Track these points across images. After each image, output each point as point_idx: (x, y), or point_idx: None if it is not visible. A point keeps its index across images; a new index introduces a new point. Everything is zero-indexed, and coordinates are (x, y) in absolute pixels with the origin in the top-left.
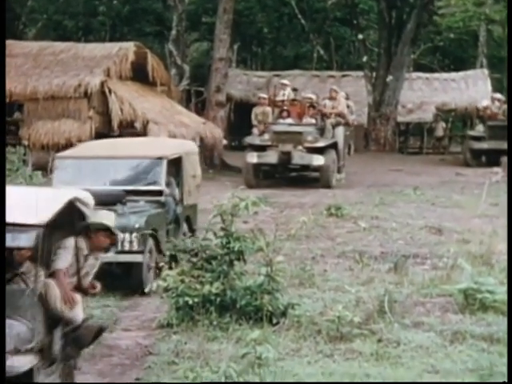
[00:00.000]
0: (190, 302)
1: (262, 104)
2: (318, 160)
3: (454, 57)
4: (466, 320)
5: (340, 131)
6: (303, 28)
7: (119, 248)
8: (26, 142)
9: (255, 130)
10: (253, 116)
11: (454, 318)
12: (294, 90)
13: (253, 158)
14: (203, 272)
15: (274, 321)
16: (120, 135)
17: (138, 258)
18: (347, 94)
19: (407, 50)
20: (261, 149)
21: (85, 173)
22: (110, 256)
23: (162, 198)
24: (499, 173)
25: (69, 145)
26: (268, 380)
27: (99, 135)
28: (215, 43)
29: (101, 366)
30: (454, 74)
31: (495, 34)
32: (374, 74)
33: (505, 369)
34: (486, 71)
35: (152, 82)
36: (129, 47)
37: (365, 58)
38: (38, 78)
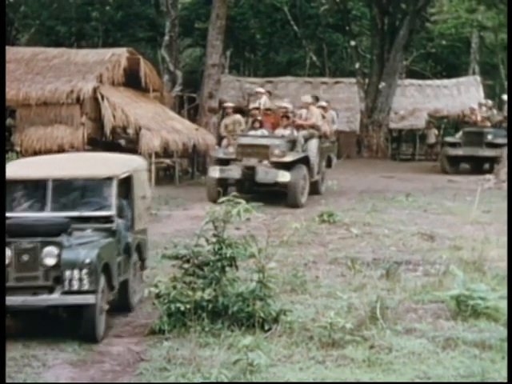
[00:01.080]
0: (182, 308)
1: (228, 113)
2: (284, 176)
3: (446, 63)
4: (458, 326)
5: (313, 144)
6: (296, 34)
7: (66, 288)
8: (18, 148)
9: (224, 142)
10: (222, 127)
11: (446, 324)
12: (268, 93)
13: (215, 172)
14: (195, 278)
15: (266, 327)
16: (113, 141)
17: (89, 299)
18: (328, 102)
19: (400, 56)
20: (225, 162)
21: (19, 197)
22: (56, 298)
23: (113, 225)
24: (491, 180)
25: (61, 151)
26: None
27: (92, 141)
28: (208, 49)
29: (92, 372)
30: (446, 81)
31: (487, 40)
32: (367, 81)
33: (497, 375)
34: (478, 78)
35: (145, 88)
36: (121, 53)
37: (357, 65)
38: (30, 83)
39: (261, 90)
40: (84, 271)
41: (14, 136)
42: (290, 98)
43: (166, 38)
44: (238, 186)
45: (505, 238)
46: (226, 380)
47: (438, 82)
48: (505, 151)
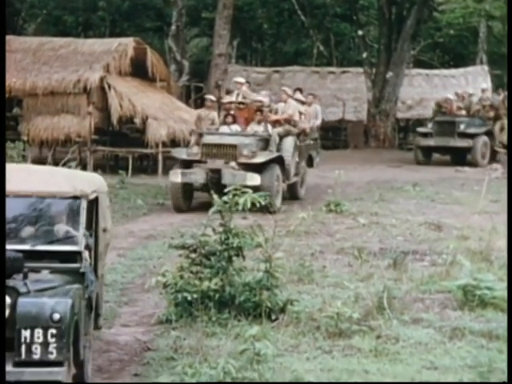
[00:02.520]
0: (189, 298)
1: (209, 107)
2: (254, 179)
3: (454, 53)
4: (464, 316)
5: (289, 142)
6: (303, 24)
7: (23, 356)
8: (25, 138)
9: (192, 139)
10: (196, 120)
11: (453, 314)
12: (247, 82)
13: (176, 176)
14: (202, 268)
15: (273, 317)
16: (119, 131)
17: (58, 374)
18: (314, 95)
19: (407, 46)
20: (189, 164)
21: None
22: (8, 371)
23: (82, 266)
24: (499, 169)
25: (68, 140)
26: (267, 376)
27: (98, 131)
28: (215, 39)
29: (100, 361)
30: (453, 71)
31: (495, 30)
32: (374, 71)
33: (504, 365)
34: (485, 68)
35: (151, 78)
36: (128, 43)
37: (365, 54)
38: (37, 73)
39: (240, 79)
40: (51, 332)
41: (21, 125)
42: (269, 91)
43: (173, 27)
44: (206, 190)
45: None
46: (232, 370)
47: (445, 71)
48: (479, 141)
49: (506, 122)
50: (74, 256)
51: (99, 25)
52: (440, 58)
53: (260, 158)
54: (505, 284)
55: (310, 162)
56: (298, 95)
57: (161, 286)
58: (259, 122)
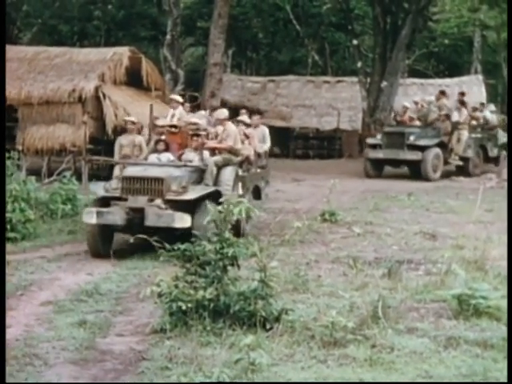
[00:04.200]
0: (184, 308)
1: (129, 130)
2: (182, 221)
3: (448, 63)
4: (459, 326)
5: (228, 173)
6: (298, 33)
7: None
8: (20, 147)
9: (116, 170)
10: (116, 148)
11: (448, 323)
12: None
13: (91, 216)
14: (197, 277)
15: (268, 326)
16: (114, 140)
17: None
18: (261, 114)
19: (402, 55)
20: (106, 202)
21: None
22: None
23: None
24: (493, 179)
25: (63, 149)
26: None
27: (93, 140)
28: (210, 48)
29: (94, 371)
30: (448, 80)
31: (490, 39)
32: (369, 80)
33: (499, 374)
34: (480, 77)
35: (146, 87)
36: (123, 52)
37: (359, 64)
38: (32, 82)
39: (177, 97)
40: None
41: (16, 135)
42: (207, 111)
43: (168, 37)
44: (128, 232)
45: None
46: (227, 379)
47: (440, 81)
48: (430, 154)
49: (464, 133)
50: None
51: (94, 34)
52: (435, 68)
53: (191, 194)
54: (500, 293)
55: (257, 194)
56: (244, 116)
57: (155, 296)
58: (196, 149)
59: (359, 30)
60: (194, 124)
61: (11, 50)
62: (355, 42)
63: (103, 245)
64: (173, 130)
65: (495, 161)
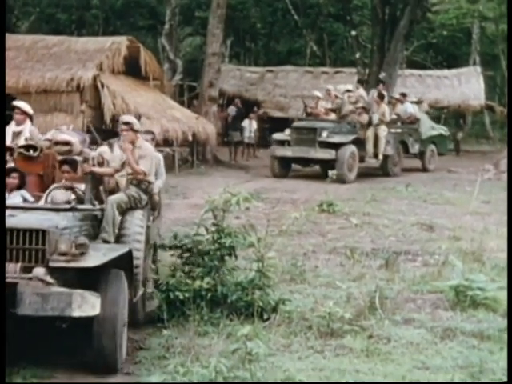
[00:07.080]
0: (181, 297)
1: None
2: (87, 305)
3: (447, 54)
4: (456, 317)
5: (137, 221)
6: (296, 23)
7: None
8: None
9: None
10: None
11: (445, 314)
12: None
13: None
14: (194, 267)
15: (265, 316)
16: (112, 129)
17: None
18: (152, 133)
19: (400, 46)
20: None
21: None
22: None
23: None
24: (491, 170)
25: None
26: (259, 375)
27: (91, 129)
28: (208, 38)
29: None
30: (446, 72)
31: (488, 31)
32: (367, 71)
33: (495, 365)
34: (478, 69)
35: (145, 77)
36: (121, 41)
37: (358, 55)
38: (30, 71)
39: (23, 105)
40: None
41: None
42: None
43: (167, 26)
44: None
45: (504, 229)
46: (224, 369)
47: (438, 72)
48: (345, 152)
49: (383, 128)
50: None
51: (92, 23)
52: (433, 59)
53: (95, 258)
54: (496, 284)
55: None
56: (146, 136)
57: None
58: (67, 188)
59: (358, 21)
60: (66, 143)
61: (9, 39)
62: (354, 32)
63: None
64: (30, 153)
65: (420, 156)
